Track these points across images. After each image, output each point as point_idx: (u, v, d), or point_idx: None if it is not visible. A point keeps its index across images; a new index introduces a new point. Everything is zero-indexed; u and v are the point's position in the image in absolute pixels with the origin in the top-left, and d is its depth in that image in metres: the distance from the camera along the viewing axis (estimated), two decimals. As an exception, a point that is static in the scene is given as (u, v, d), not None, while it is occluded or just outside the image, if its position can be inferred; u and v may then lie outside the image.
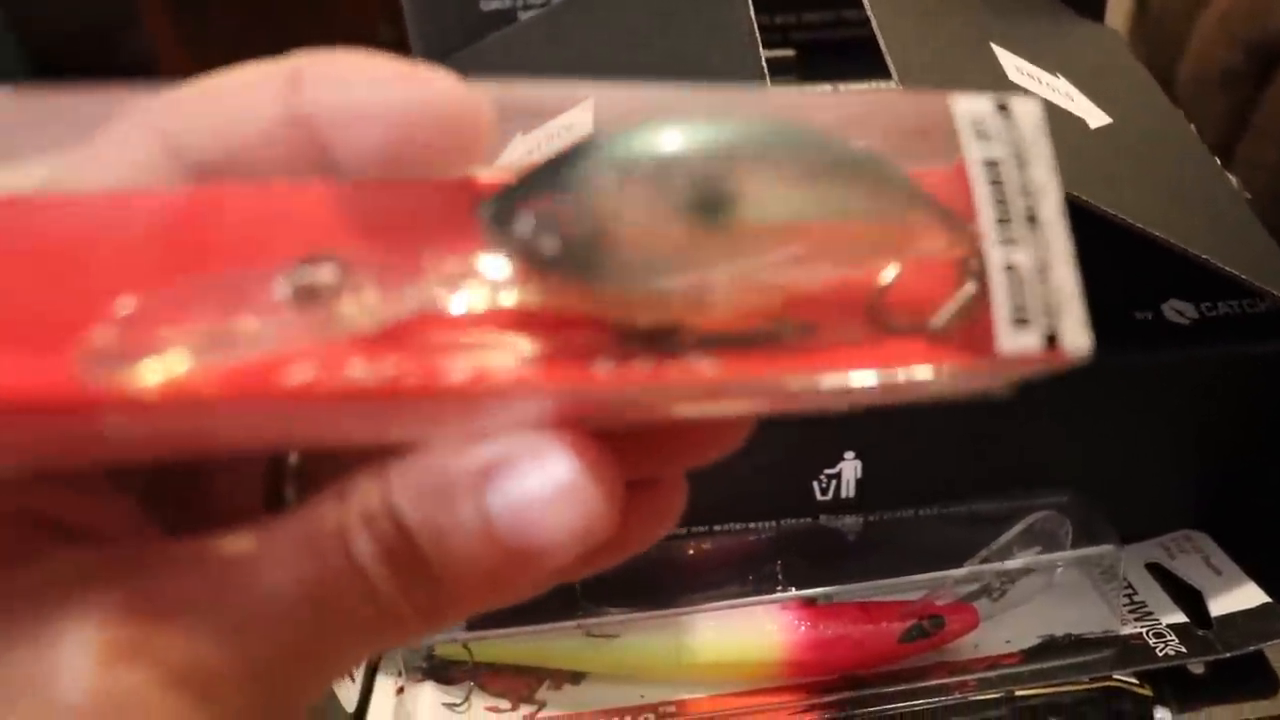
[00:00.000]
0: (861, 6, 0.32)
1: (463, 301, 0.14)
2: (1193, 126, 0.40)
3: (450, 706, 0.33)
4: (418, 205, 0.16)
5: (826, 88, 0.44)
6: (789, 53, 0.46)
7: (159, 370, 0.13)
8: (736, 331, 0.15)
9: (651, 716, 0.32)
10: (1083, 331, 0.17)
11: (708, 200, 0.15)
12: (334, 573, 0.15)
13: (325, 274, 0.14)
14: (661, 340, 0.15)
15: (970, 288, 0.16)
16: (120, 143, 0.15)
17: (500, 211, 0.15)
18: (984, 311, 0.16)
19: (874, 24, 0.31)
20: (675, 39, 0.35)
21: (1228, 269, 0.31)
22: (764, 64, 0.31)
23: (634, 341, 0.15)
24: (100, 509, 0.16)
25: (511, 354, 0.14)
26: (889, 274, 0.16)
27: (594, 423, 0.15)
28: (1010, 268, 0.16)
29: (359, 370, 0.13)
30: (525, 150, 0.35)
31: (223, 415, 0.14)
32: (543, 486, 0.14)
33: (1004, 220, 0.16)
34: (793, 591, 0.33)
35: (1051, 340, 0.17)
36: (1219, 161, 0.39)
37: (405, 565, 0.15)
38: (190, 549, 0.15)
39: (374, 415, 0.14)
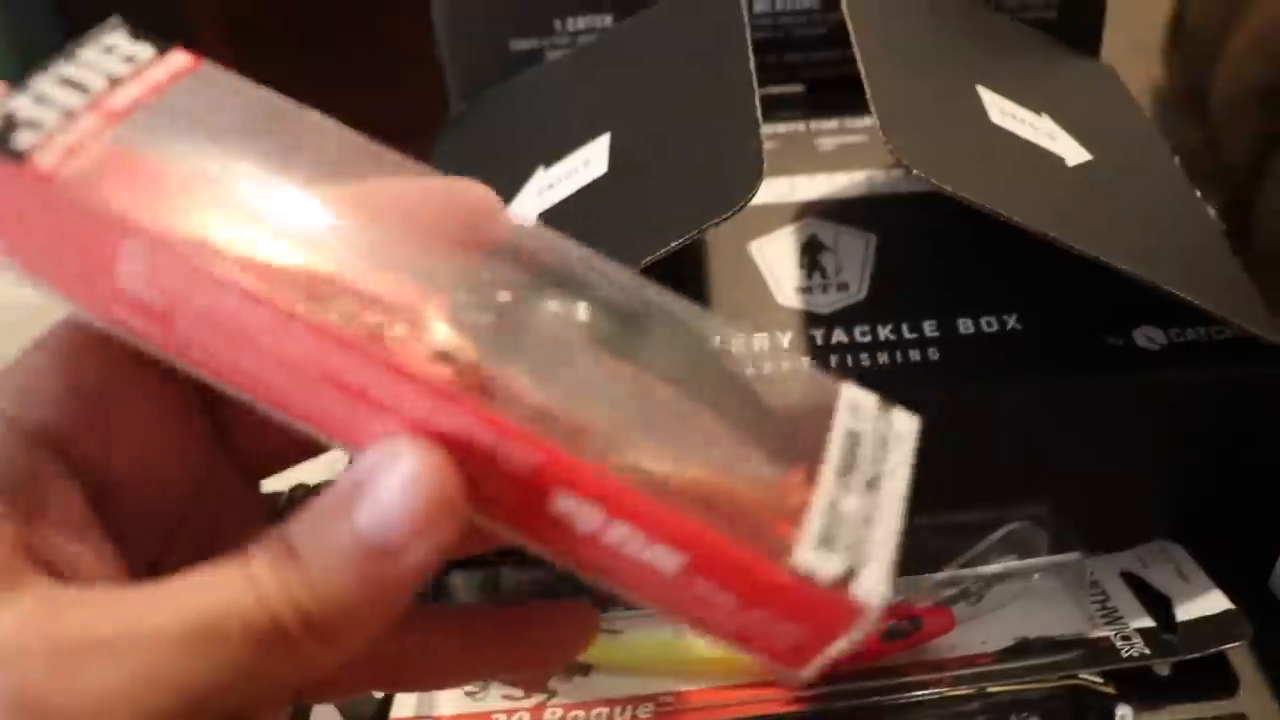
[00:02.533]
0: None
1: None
2: (1176, 159, 0.42)
3: (470, 694, 0.36)
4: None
5: (833, 123, 0.47)
6: (798, 88, 0.49)
7: None
8: None
9: (651, 706, 0.35)
10: (883, 583, 0.17)
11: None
12: (232, 597, 0.17)
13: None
14: None
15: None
16: None
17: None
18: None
19: (861, 70, 0.34)
20: (683, 83, 0.38)
21: (1190, 299, 0.34)
22: (759, 115, 0.33)
23: None
24: (84, 552, 0.18)
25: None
26: None
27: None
28: (834, 504, 0.18)
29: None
30: (546, 183, 0.38)
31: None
32: (397, 483, 0.17)
33: (845, 474, 0.19)
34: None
35: (848, 576, 0.17)
36: (1199, 192, 0.41)
37: (294, 585, 0.17)
38: (104, 590, 0.17)
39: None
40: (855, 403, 0.20)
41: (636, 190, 0.35)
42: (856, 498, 0.18)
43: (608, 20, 0.46)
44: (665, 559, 0.18)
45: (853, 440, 0.19)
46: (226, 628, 0.17)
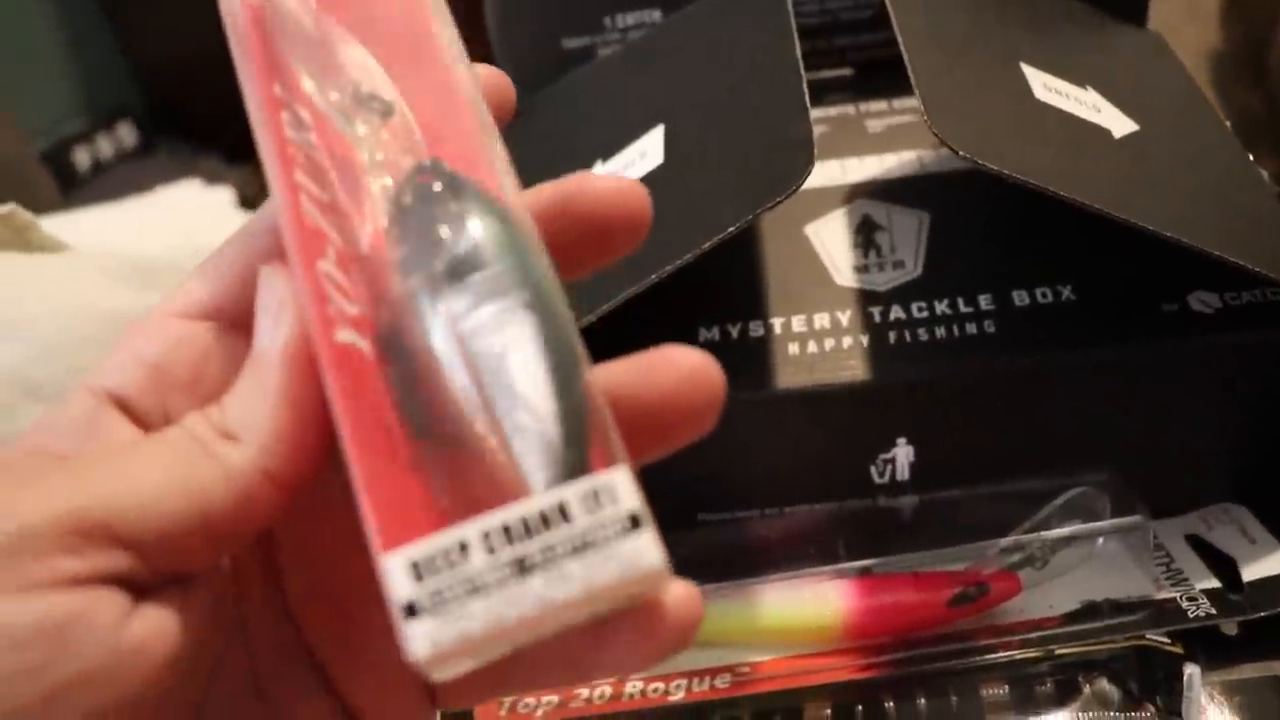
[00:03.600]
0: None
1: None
2: (1227, 124, 0.43)
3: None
4: None
5: (882, 104, 0.48)
6: (846, 72, 0.50)
7: None
8: None
9: (729, 676, 0.36)
10: (444, 648, 0.17)
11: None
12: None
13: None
14: None
15: None
16: None
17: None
18: None
19: (904, 54, 0.34)
20: (732, 73, 0.39)
21: (1240, 262, 0.34)
22: (807, 101, 0.34)
23: None
24: None
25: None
26: None
27: None
28: (465, 547, 0.17)
29: None
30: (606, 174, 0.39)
31: None
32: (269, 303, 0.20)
33: (507, 537, 0.18)
34: (850, 564, 0.37)
35: (415, 612, 0.17)
36: (1251, 156, 0.42)
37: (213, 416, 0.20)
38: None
39: None
40: (602, 489, 0.18)
41: (692, 179, 0.36)
42: (493, 565, 0.17)
43: (656, 15, 0.47)
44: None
45: (553, 515, 0.17)
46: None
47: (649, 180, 0.38)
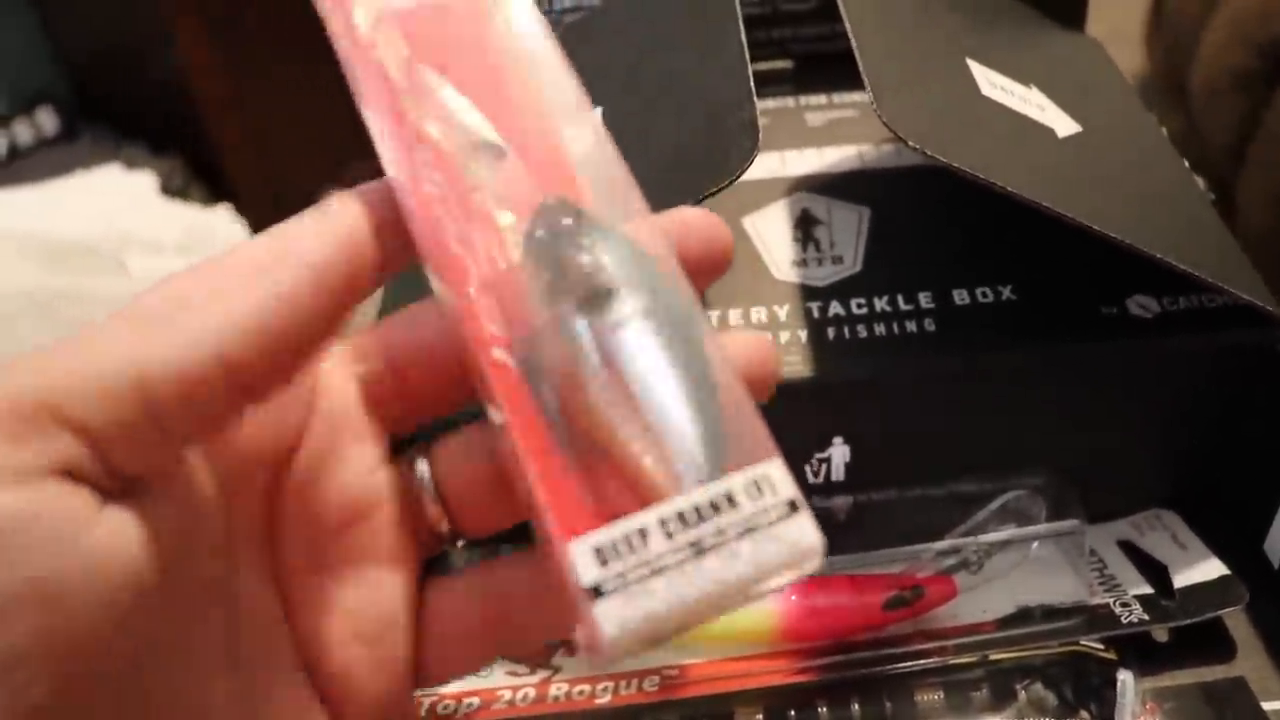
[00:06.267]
0: (853, 22, 0.35)
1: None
2: (1164, 130, 0.43)
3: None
4: None
5: (822, 98, 0.47)
6: (787, 64, 0.49)
7: None
8: None
9: (656, 679, 0.35)
10: (627, 627, 0.18)
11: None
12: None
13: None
14: None
15: None
16: None
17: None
18: None
19: (852, 42, 0.34)
20: (674, 57, 0.38)
21: (1182, 266, 0.34)
22: (752, 85, 0.33)
23: None
24: None
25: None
26: None
27: None
28: (644, 534, 0.19)
29: None
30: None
31: None
32: None
33: (682, 523, 0.19)
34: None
35: (599, 593, 0.19)
36: (1188, 163, 0.42)
37: None
38: None
39: None
40: (761, 480, 0.20)
41: (632, 165, 0.35)
42: (672, 549, 0.19)
43: (596, -1, 0.46)
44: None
45: (721, 502, 0.19)
46: None
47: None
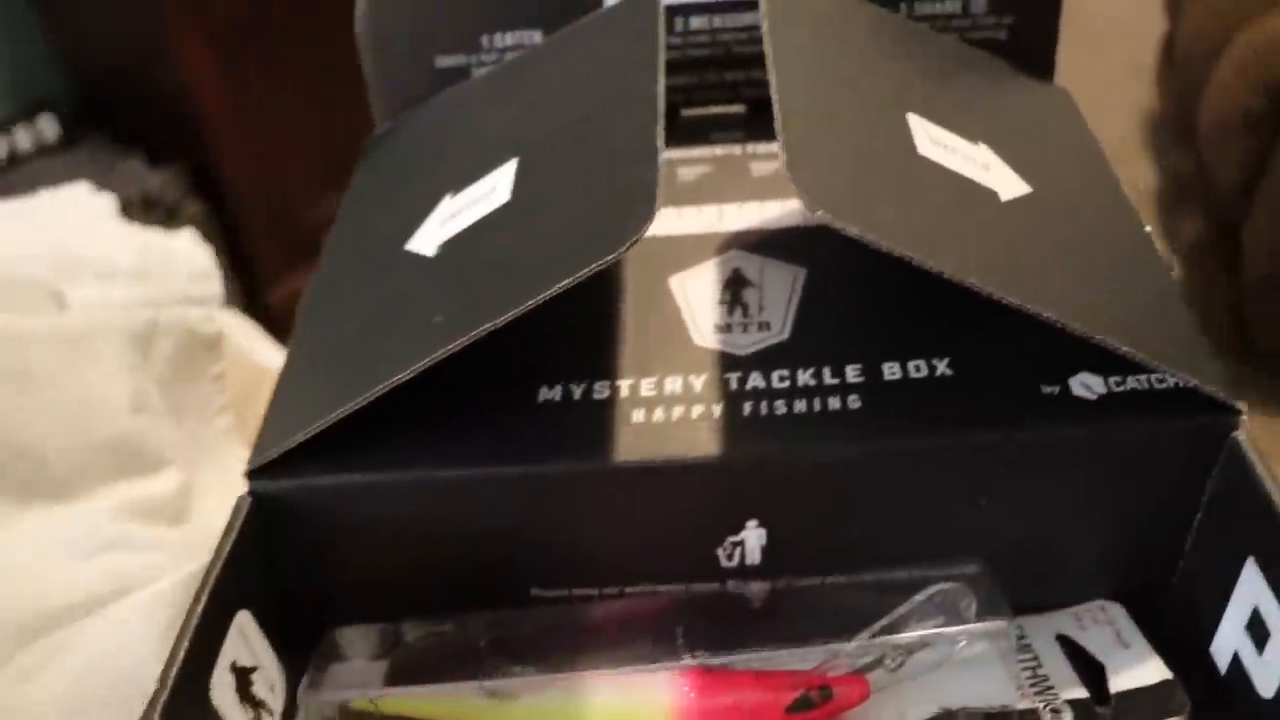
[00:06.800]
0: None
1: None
2: (1126, 190, 0.40)
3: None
4: None
5: (772, 146, 0.45)
6: (739, 109, 0.47)
7: None
8: None
9: (548, 778, 0.33)
10: None
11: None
12: None
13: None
14: None
15: None
16: None
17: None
18: None
19: (774, 96, 0.31)
20: (590, 106, 0.36)
21: (1126, 349, 0.31)
22: (659, 143, 0.31)
23: None
24: None
25: None
26: None
27: None
28: None
29: None
30: (450, 211, 0.36)
31: None
32: None
33: None
34: (686, 660, 0.33)
35: None
36: (1149, 228, 0.39)
37: None
38: None
39: None
40: None
41: (534, 223, 0.33)
42: None
43: (536, 36, 0.44)
44: None
45: None
46: None
47: (491, 220, 0.34)
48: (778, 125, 0.30)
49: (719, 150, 0.45)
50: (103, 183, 0.93)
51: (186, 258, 0.68)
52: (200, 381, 0.52)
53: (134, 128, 1.44)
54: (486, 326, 0.30)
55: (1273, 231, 1.09)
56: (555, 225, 0.32)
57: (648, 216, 0.28)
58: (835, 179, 0.30)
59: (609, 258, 0.28)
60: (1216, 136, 1.17)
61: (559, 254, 0.30)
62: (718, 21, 0.44)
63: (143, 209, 1.27)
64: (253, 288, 1.40)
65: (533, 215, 0.33)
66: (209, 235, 1.34)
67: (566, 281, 0.28)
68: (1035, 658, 0.35)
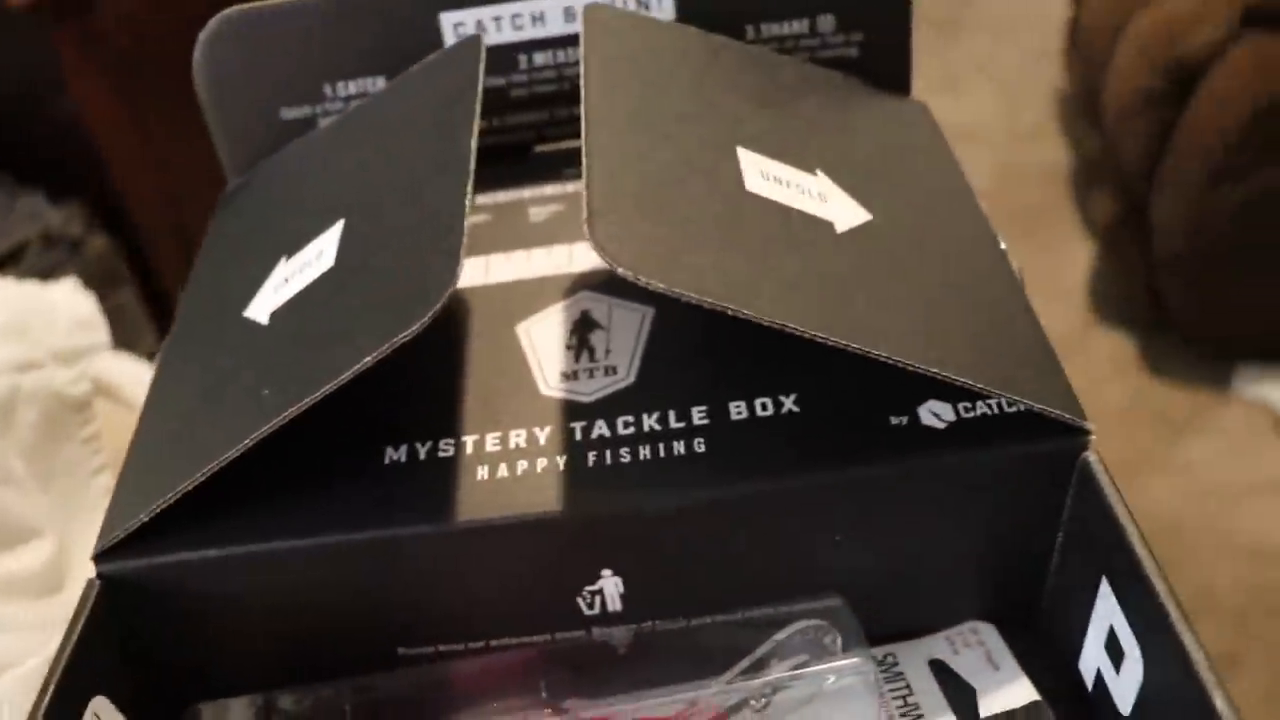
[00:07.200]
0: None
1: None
2: (982, 204, 0.40)
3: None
4: None
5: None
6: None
7: None
8: None
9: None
10: None
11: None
12: None
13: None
14: None
15: None
16: None
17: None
18: None
19: (583, 148, 0.31)
20: (409, 163, 0.35)
21: (961, 380, 0.31)
22: (467, 205, 0.30)
23: None
24: None
25: None
26: None
27: None
28: None
29: None
30: (283, 276, 0.35)
31: None
32: None
33: None
34: (550, 707, 0.33)
35: None
36: (1003, 244, 0.39)
37: None
38: None
39: None
40: None
41: (350, 291, 0.32)
42: None
43: (380, 83, 0.43)
44: None
45: None
46: None
47: (316, 288, 0.34)
48: (584, 179, 0.30)
49: (570, 187, 0.44)
50: (1, 222, 0.91)
51: (67, 307, 0.67)
52: (70, 444, 0.51)
53: (32, 165, 1.41)
54: (304, 403, 0.29)
55: (1176, 209, 1.10)
56: (370, 294, 0.32)
57: (450, 283, 0.28)
58: (642, 230, 0.30)
59: (411, 330, 0.27)
60: (1121, 117, 1.18)
61: (370, 326, 0.29)
62: (561, 56, 0.44)
63: (44, 246, 1.25)
64: (167, 321, 1.38)
65: (351, 282, 0.33)
66: (117, 271, 1.32)
67: (371, 358, 0.28)
68: (906, 685, 0.35)
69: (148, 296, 1.34)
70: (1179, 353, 1.28)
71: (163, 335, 1.34)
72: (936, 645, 0.37)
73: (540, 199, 0.43)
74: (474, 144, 0.32)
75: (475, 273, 0.40)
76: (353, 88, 0.44)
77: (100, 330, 0.65)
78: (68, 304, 0.67)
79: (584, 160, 0.30)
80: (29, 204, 1.37)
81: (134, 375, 0.64)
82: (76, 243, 1.32)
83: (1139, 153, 1.14)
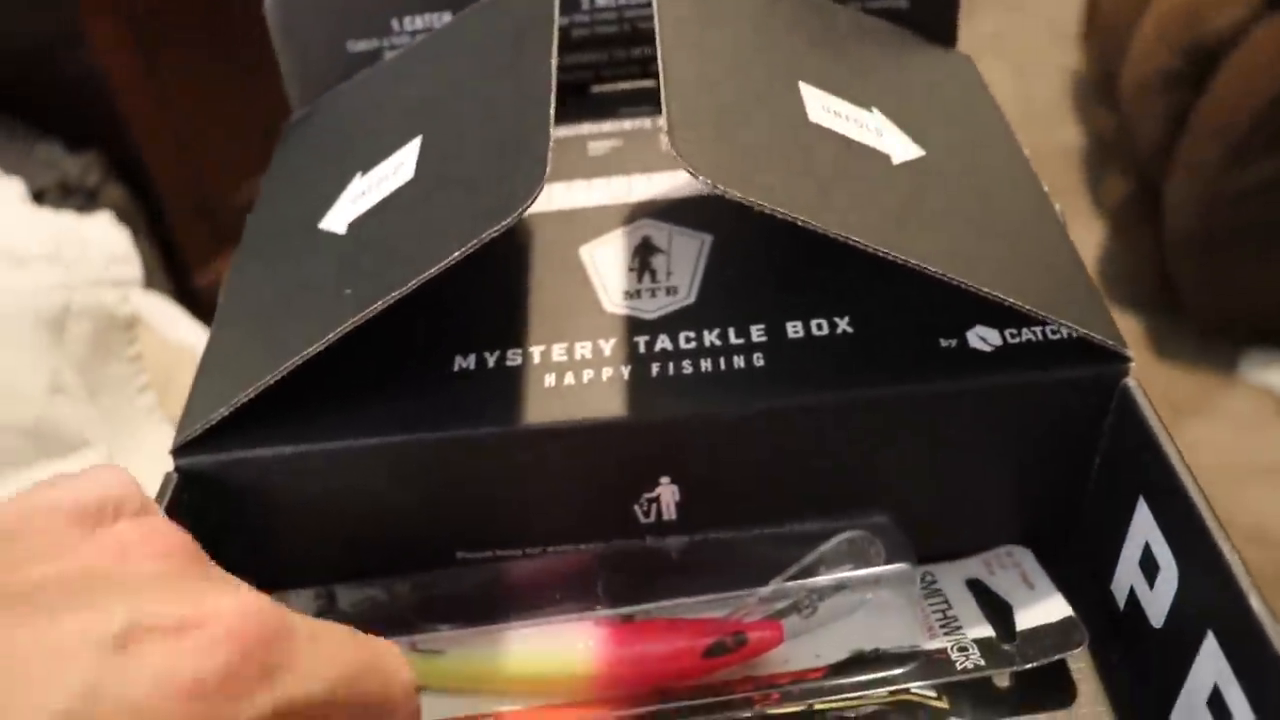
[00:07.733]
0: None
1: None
2: (1026, 151, 0.41)
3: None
4: None
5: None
6: (648, 84, 0.48)
7: None
8: None
9: (470, 729, 0.34)
10: None
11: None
12: None
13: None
14: None
15: None
16: None
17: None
18: None
19: (660, 70, 0.32)
20: (488, 83, 0.37)
21: (1010, 300, 0.33)
22: (550, 116, 0.32)
23: None
24: None
25: None
26: None
27: None
28: None
29: None
30: (360, 190, 0.37)
31: None
32: None
33: None
34: (601, 610, 0.34)
35: None
36: (1046, 187, 0.40)
37: None
38: None
39: None
40: None
41: (436, 198, 0.34)
42: None
43: (446, 18, 0.45)
44: None
45: None
46: None
47: (396, 197, 0.35)
48: (663, 96, 0.31)
49: (628, 124, 0.46)
50: (19, 169, 0.92)
51: (102, 241, 0.68)
52: (118, 362, 0.53)
53: (51, 114, 1.42)
54: (391, 297, 0.31)
55: (1191, 189, 1.11)
56: (454, 199, 0.33)
57: (538, 184, 0.29)
58: (718, 146, 0.31)
59: (502, 224, 0.29)
60: (1138, 97, 1.19)
61: (457, 226, 0.31)
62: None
63: (61, 194, 1.26)
64: (181, 272, 1.39)
65: (434, 190, 0.34)
66: (132, 221, 1.33)
67: (461, 251, 0.29)
68: (946, 601, 0.37)
69: (161, 247, 1.35)
70: (1185, 336, 1.29)
71: (178, 285, 1.35)
72: (973, 566, 0.38)
73: (599, 134, 0.45)
74: (554, 65, 0.34)
75: (538, 200, 0.41)
76: (419, 22, 0.45)
77: (134, 264, 0.67)
78: (103, 238, 0.69)
79: (661, 81, 0.32)
80: (46, 152, 1.38)
81: (163, 311, 0.65)
82: (93, 192, 1.33)
83: (1155, 134, 1.15)
